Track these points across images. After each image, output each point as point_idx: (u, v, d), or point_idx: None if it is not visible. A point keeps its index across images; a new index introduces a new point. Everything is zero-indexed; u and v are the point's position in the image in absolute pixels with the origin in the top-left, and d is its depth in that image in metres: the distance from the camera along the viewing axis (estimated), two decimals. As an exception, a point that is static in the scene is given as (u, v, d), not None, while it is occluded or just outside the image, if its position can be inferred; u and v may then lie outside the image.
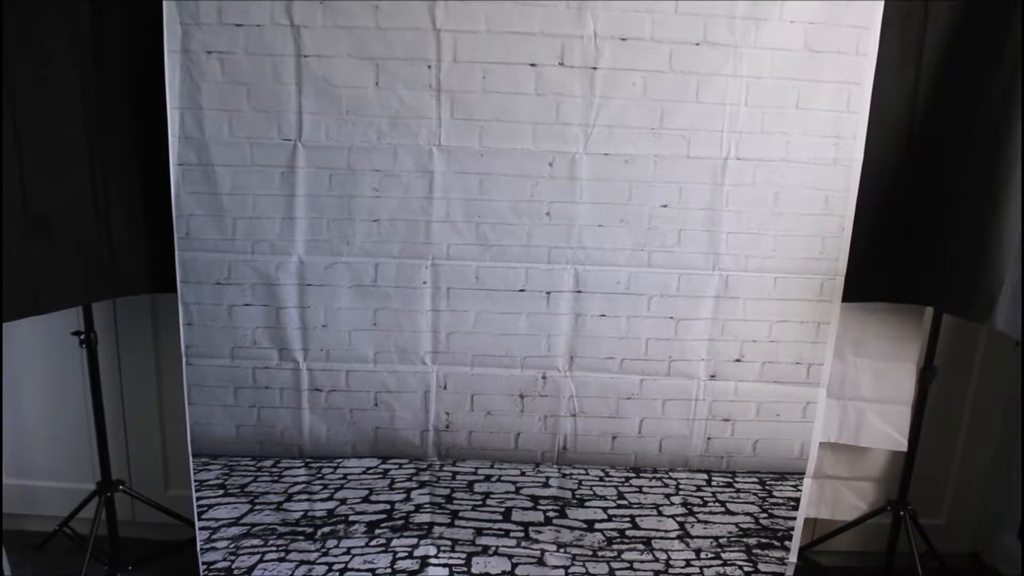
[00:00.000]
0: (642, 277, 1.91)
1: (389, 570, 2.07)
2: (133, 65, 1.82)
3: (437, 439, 2.02)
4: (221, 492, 2.04)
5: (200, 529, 2.05)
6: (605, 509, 2.08)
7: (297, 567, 2.07)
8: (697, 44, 1.79)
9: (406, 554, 2.08)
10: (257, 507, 2.06)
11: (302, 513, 2.06)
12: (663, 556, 2.09)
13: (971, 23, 1.77)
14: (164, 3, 1.74)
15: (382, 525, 2.08)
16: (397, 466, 2.05)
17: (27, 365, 2.29)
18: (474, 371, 1.97)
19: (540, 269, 1.91)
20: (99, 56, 1.77)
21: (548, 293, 1.93)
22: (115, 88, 1.81)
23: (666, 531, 2.08)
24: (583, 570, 2.08)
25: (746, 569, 2.10)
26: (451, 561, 2.08)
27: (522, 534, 2.09)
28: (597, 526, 2.08)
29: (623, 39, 1.78)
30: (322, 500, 2.06)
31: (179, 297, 1.91)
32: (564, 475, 2.05)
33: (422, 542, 2.09)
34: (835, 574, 2.34)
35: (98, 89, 1.79)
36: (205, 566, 2.07)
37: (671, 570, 2.09)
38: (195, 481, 2.02)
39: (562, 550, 2.09)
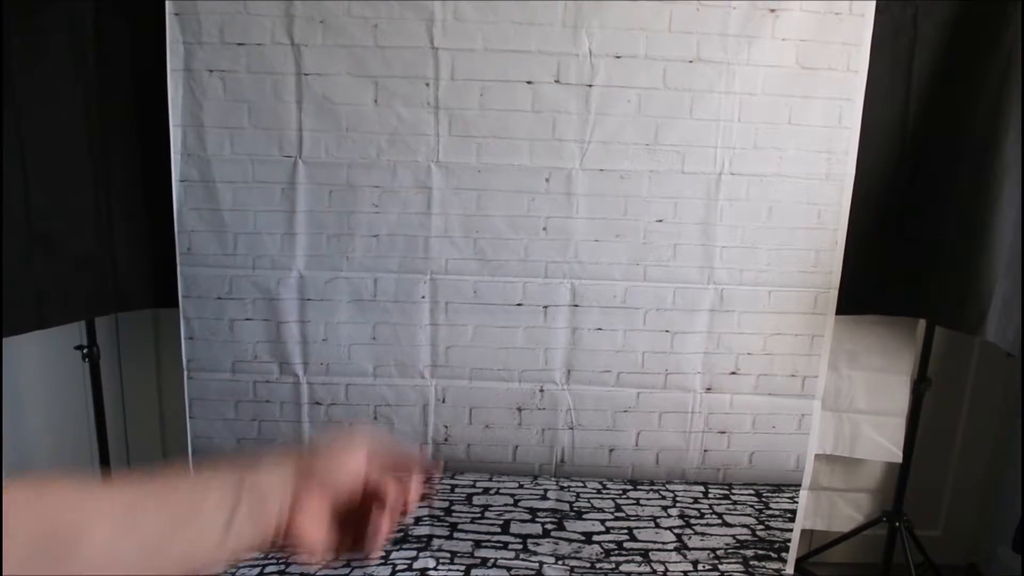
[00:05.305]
0: (638, 291, 1.93)
1: (388, 582, 2.09)
2: (136, 83, 1.84)
3: (436, 452, 2.03)
4: (221, 505, 2.05)
5: (201, 542, 2.06)
6: (603, 521, 2.09)
7: (297, 580, 2.08)
8: (691, 61, 1.81)
9: (405, 566, 2.09)
10: (257, 520, 2.06)
11: (302, 526, 2.07)
12: (660, 568, 2.10)
13: (960, 41, 1.80)
14: (167, 23, 1.77)
15: (381, 537, 2.08)
16: (396, 479, 2.06)
17: (30, 379, 2.30)
18: (472, 385, 1.99)
19: (537, 283, 1.93)
20: (102, 74, 1.80)
21: (545, 307, 1.94)
22: (118, 105, 1.83)
23: (663, 543, 2.09)
24: (581, 582, 2.10)
25: (743, 581, 2.12)
26: (450, 573, 2.09)
27: (520, 546, 2.09)
28: (595, 538, 2.09)
29: (618, 57, 1.81)
30: (322, 513, 2.06)
31: (181, 312, 1.92)
32: (562, 487, 2.07)
33: (421, 554, 2.10)
34: (832, 585, 2.35)
35: (101, 106, 1.81)
36: (205, 579, 2.07)
37: (669, 582, 2.10)
38: (196, 494, 2.03)
39: (560, 562, 2.10)
